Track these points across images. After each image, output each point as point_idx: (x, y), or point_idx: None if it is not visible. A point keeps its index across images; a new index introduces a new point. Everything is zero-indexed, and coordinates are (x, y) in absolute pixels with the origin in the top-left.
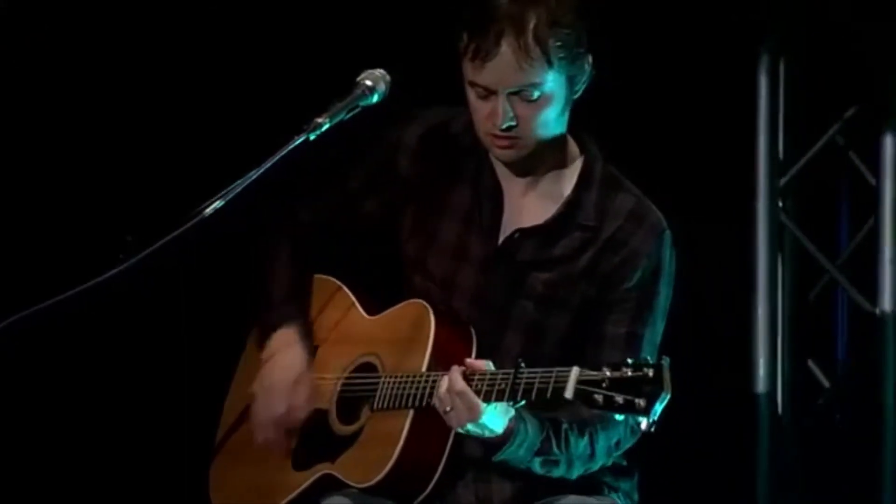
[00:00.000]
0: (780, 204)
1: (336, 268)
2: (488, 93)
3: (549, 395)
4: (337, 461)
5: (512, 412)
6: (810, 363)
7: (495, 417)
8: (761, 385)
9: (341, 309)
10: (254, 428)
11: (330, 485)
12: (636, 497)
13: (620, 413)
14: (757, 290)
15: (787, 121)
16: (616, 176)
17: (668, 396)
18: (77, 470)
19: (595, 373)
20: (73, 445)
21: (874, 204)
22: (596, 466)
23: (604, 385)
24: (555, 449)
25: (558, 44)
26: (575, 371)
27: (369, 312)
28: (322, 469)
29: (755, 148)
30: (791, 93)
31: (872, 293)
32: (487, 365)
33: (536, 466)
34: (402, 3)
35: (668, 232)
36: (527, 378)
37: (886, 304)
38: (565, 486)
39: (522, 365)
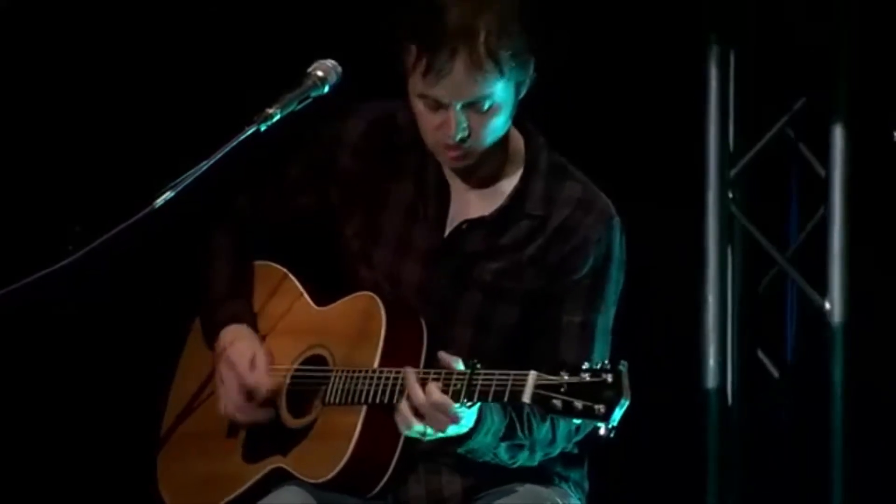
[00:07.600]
0: (730, 195)
1: (277, 258)
2: (439, 105)
3: (505, 397)
4: (289, 455)
5: (478, 403)
6: (760, 354)
7: (470, 413)
8: (711, 376)
9: (288, 298)
10: (222, 402)
11: (281, 478)
12: (586, 486)
13: (579, 418)
14: (707, 281)
15: (737, 112)
16: (563, 164)
17: (628, 403)
18: (13, 463)
19: (553, 377)
20: (10, 439)
21: (824, 195)
22: (556, 452)
23: (562, 390)
24: (519, 433)
25: (509, 53)
26: (532, 375)
27: (317, 303)
28: (273, 462)
29: (705, 139)
30: (741, 84)
31: (822, 284)
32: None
33: (502, 453)
34: None
35: (616, 218)
36: (483, 379)
37: (835, 295)
38: (515, 477)
39: (478, 365)
